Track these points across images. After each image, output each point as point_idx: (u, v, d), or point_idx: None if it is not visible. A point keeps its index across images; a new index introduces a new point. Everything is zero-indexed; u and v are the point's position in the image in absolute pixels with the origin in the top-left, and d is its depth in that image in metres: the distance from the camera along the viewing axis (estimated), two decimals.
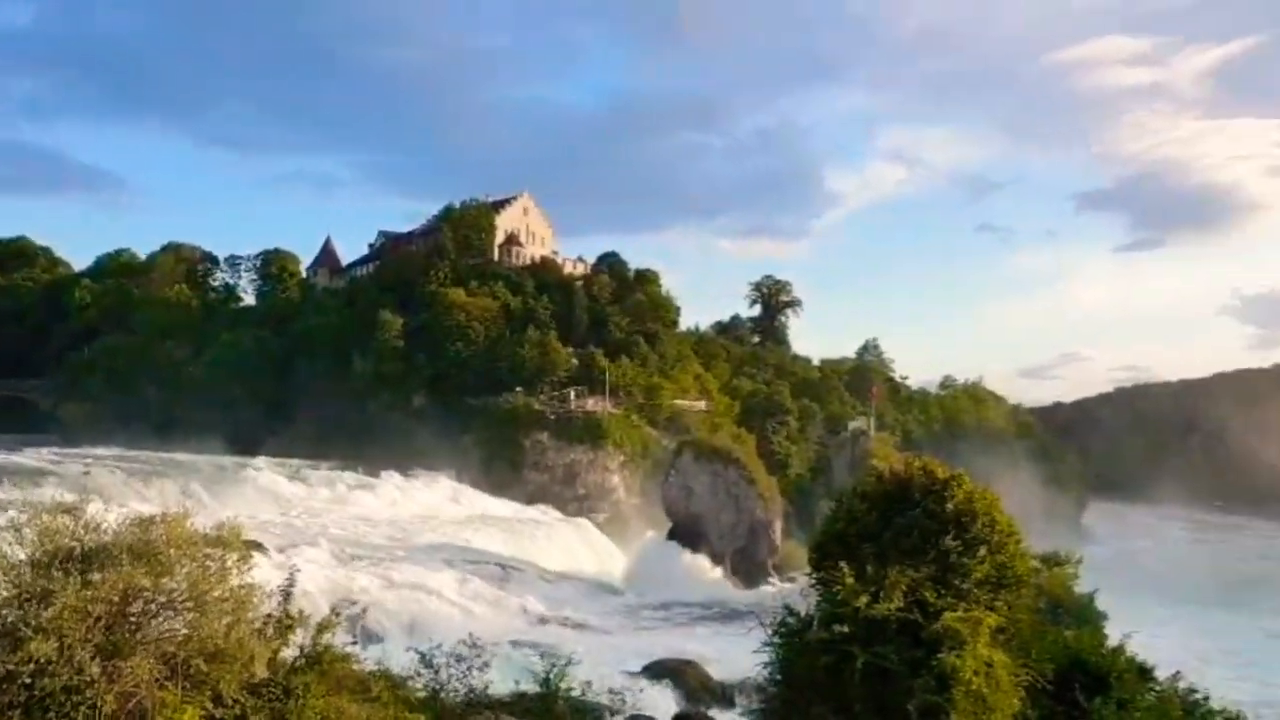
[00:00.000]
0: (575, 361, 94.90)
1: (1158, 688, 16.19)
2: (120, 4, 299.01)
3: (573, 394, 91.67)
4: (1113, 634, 17.21)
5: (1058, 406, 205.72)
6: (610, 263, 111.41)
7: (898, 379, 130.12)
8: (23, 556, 9.53)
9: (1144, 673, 16.31)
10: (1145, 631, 17.66)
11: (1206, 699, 16.38)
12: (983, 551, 15.33)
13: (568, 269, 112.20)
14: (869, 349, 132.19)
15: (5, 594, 9.32)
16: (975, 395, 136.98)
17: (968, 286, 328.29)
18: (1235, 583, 79.24)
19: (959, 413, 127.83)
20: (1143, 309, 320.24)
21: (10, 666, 8.70)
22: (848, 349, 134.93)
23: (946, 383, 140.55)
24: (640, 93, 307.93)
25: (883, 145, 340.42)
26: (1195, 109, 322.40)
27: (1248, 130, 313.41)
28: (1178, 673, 16.63)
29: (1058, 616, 18.50)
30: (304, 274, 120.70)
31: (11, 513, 10.36)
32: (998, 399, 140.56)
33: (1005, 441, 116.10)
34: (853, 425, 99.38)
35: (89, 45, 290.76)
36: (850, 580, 13.64)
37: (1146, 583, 68.69)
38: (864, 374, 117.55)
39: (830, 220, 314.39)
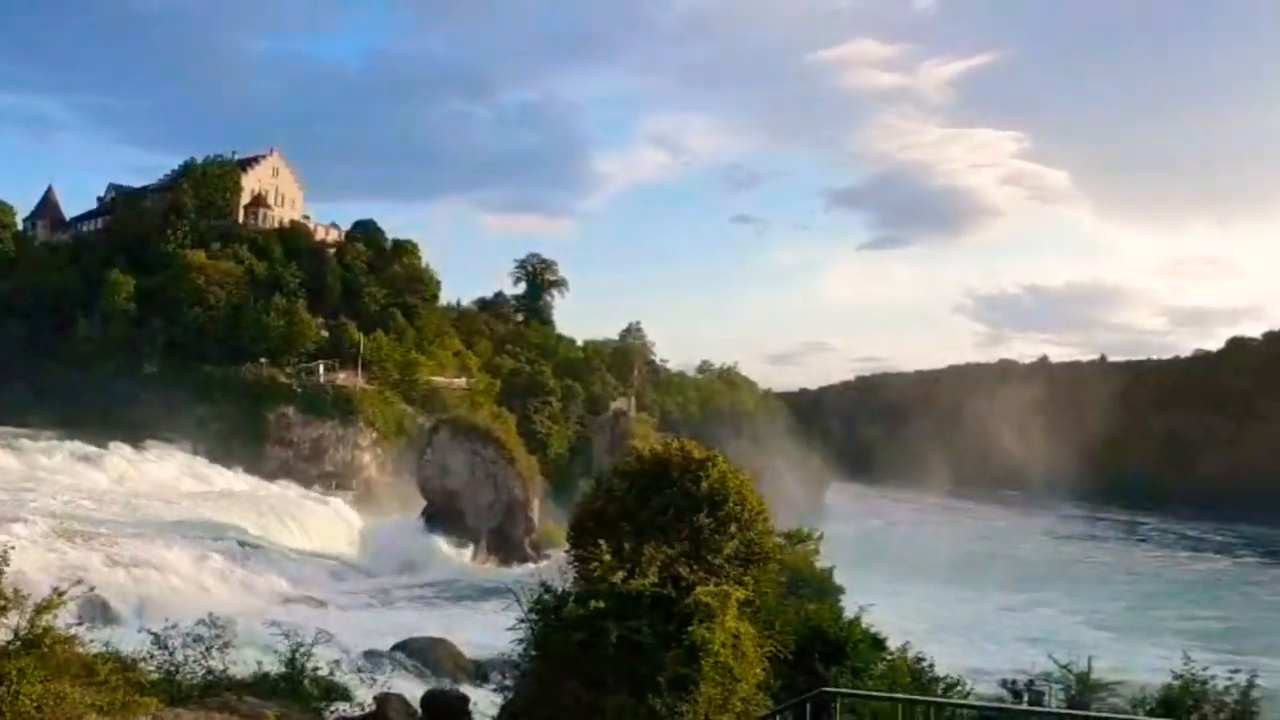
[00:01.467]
0: (326, 333, 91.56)
1: (889, 656, 17.42)
2: None
3: (322, 367, 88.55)
4: (850, 607, 18.37)
5: (803, 392, 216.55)
6: (366, 231, 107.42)
7: (658, 362, 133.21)
8: None
9: (877, 643, 17.49)
10: (879, 605, 18.94)
11: (932, 666, 17.74)
12: (733, 529, 15.88)
13: (320, 235, 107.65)
14: (632, 331, 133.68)
15: None
16: (730, 379, 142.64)
17: (724, 274, 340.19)
18: (960, 561, 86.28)
19: (714, 396, 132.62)
20: (884, 303, 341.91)
21: None
22: (611, 330, 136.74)
23: (703, 366, 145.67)
24: (404, 55, 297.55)
25: (648, 130, 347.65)
26: (939, 116, 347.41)
27: (986, 140, 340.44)
28: (907, 643, 17.94)
29: (799, 590, 19.50)
30: (20, 226, 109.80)
31: None
32: (750, 383, 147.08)
33: (756, 424, 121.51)
34: (614, 406, 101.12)
35: None
36: (608, 557, 13.73)
37: (881, 560, 73.54)
38: (626, 356, 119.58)
39: (596, 201, 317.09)
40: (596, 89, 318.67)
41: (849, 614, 18.09)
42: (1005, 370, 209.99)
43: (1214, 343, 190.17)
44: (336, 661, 18.15)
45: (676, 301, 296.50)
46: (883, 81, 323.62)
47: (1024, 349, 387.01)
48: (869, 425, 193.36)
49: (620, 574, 13.38)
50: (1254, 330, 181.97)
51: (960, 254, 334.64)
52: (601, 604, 13.12)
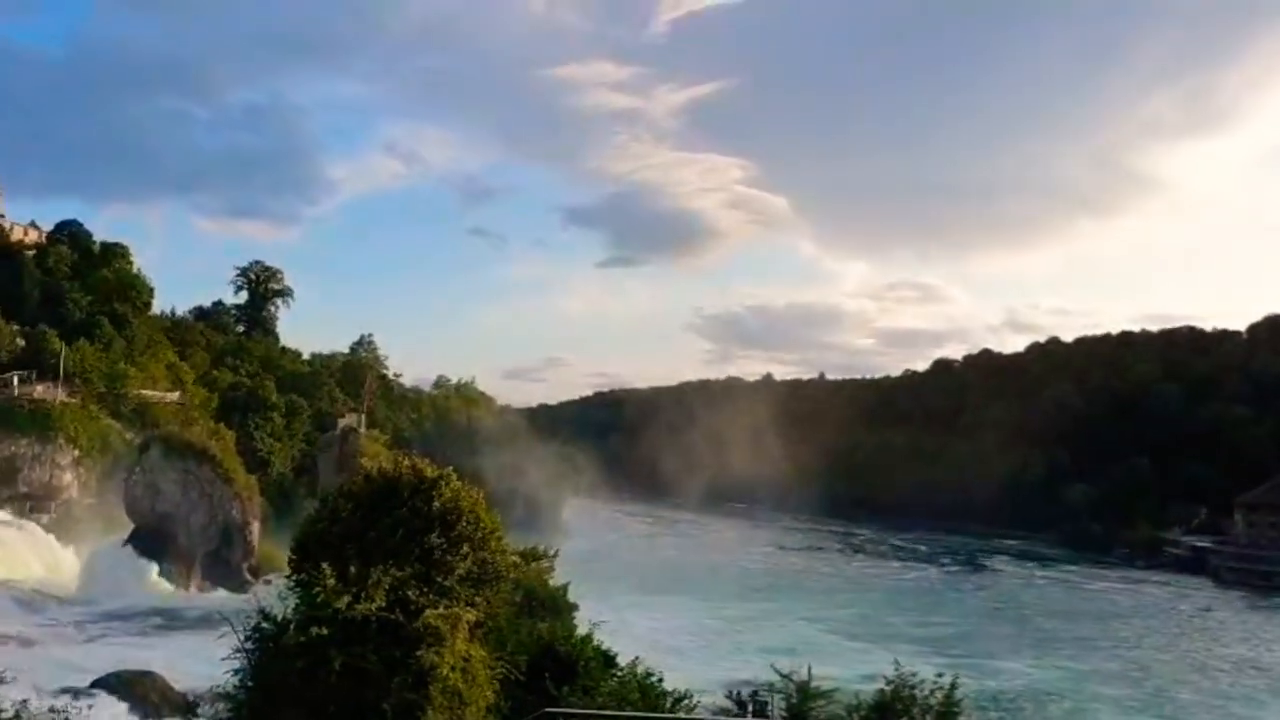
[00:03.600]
0: (22, 342, 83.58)
1: (619, 673, 17.56)
2: None
3: (16, 378, 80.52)
4: (585, 624, 18.40)
5: (542, 408, 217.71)
6: (71, 232, 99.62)
7: (391, 376, 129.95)
8: None
9: (608, 660, 17.61)
10: (613, 620, 19.08)
11: (661, 681, 18.01)
12: (466, 549, 15.58)
13: (17, 235, 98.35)
14: (363, 344, 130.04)
15: None
16: (467, 395, 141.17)
17: (461, 288, 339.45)
18: (693, 573, 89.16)
19: (451, 412, 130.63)
20: (620, 321, 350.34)
21: None
22: (341, 343, 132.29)
23: (440, 382, 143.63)
24: (113, 45, 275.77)
25: (382, 137, 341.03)
26: (670, 140, 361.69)
27: (714, 165, 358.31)
28: (636, 658, 18.14)
29: (534, 609, 19.36)
30: None
31: None
32: (488, 399, 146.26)
33: (494, 441, 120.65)
34: (342, 423, 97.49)
35: None
36: (331, 581, 13.23)
37: (617, 575, 74.77)
38: (357, 370, 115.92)
39: (326, 208, 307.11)
40: (327, 93, 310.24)
41: (582, 631, 18.14)
42: (732, 386, 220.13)
43: (922, 363, 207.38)
44: (24, 702, 16.42)
45: (412, 315, 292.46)
46: (617, 103, 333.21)
47: (750, 367, 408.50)
48: (606, 441, 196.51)
49: (345, 599, 12.99)
50: (956, 353, 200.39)
51: (691, 274, 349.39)
52: (324, 630, 12.73)
